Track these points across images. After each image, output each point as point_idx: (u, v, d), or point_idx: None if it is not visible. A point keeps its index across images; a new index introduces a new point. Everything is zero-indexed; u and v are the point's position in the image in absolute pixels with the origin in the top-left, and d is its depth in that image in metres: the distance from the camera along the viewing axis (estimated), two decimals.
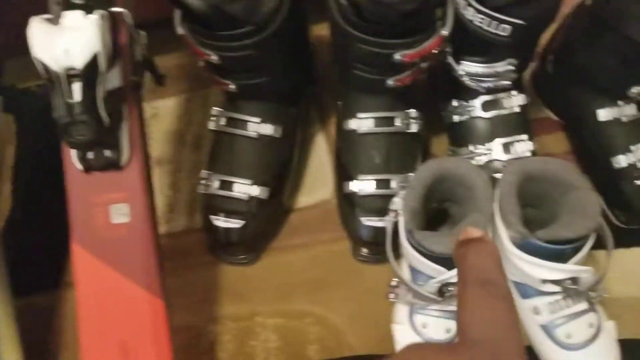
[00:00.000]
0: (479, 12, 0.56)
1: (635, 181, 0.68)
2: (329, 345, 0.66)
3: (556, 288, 0.56)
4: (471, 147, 0.69)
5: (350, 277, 0.70)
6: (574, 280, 0.55)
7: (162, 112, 0.82)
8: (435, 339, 0.59)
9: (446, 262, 0.55)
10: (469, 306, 0.28)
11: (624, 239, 0.71)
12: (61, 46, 0.46)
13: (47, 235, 0.73)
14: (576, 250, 0.55)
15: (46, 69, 0.46)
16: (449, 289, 0.56)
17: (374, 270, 0.69)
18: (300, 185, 0.76)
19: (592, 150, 0.71)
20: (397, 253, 0.61)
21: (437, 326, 0.59)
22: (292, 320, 0.68)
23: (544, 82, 0.78)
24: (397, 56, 0.57)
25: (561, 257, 0.55)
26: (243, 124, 0.66)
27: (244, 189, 0.66)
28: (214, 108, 0.69)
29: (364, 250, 0.69)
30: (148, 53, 0.57)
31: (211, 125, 0.68)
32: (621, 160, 0.68)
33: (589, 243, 0.55)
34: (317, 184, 0.76)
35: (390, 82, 0.62)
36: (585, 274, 0.55)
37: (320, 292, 0.69)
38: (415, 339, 0.60)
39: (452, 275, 0.55)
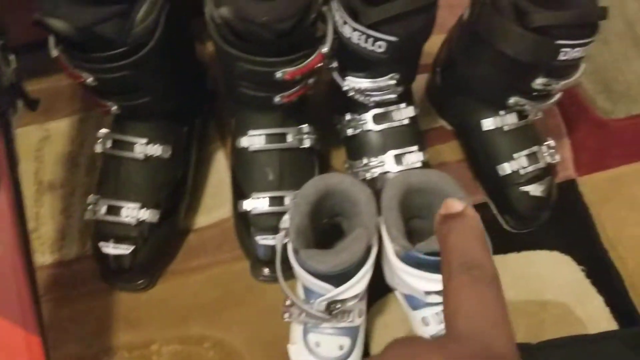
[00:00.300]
0: (355, 29, 0.57)
1: (519, 187, 0.70)
2: None
3: (438, 298, 0.57)
4: (365, 160, 0.70)
5: (249, 297, 0.69)
6: None
7: (54, 134, 0.79)
8: (329, 357, 0.59)
9: (333, 279, 0.55)
10: (455, 296, 0.27)
11: (515, 244, 0.74)
12: None
13: None
14: None
15: None
16: (337, 306, 0.56)
17: (274, 289, 0.68)
18: (198, 204, 0.75)
19: (480, 159, 0.73)
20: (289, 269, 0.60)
21: (330, 344, 0.60)
22: (189, 345, 0.66)
23: (435, 94, 0.80)
24: (279, 74, 0.57)
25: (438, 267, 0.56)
26: (129, 145, 0.64)
27: (132, 213, 0.64)
28: (100, 130, 0.66)
29: (264, 270, 0.68)
30: (18, 77, 0.55)
31: (98, 148, 0.66)
32: (505, 168, 0.70)
33: None
34: (216, 203, 0.75)
35: (277, 99, 0.62)
36: None
37: (219, 314, 0.68)
38: (309, 358, 0.60)
39: (339, 292, 0.55)
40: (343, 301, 0.56)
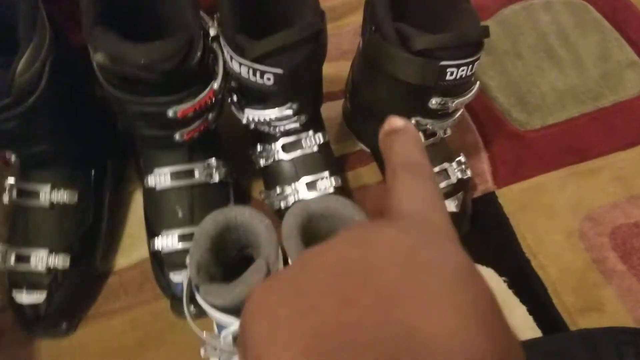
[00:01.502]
0: (241, 64, 0.58)
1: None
2: None
3: None
4: (279, 189, 0.70)
5: (171, 336, 0.69)
6: None
7: None
8: None
9: (233, 311, 0.55)
10: (399, 187, 0.29)
11: None
12: None
13: None
14: None
15: None
16: None
17: (196, 325, 0.69)
18: (117, 246, 0.75)
19: None
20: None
21: None
22: None
23: (349, 118, 0.81)
24: (171, 113, 0.58)
25: None
26: (34, 194, 0.65)
27: (41, 260, 0.64)
28: (7, 180, 0.66)
29: (180, 308, 0.68)
30: None
31: (5, 199, 0.66)
32: None
33: None
34: (136, 244, 0.75)
35: (177, 136, 0.63)
36: None
37: (142, 355, 0.68)
38: None
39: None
40: None
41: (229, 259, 0.60)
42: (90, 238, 0.69)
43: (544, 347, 0.64)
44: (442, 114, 0.68)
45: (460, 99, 0.65)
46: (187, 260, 0.58)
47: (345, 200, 0.59)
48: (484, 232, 0.77)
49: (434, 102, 0.64)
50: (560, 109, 0.87)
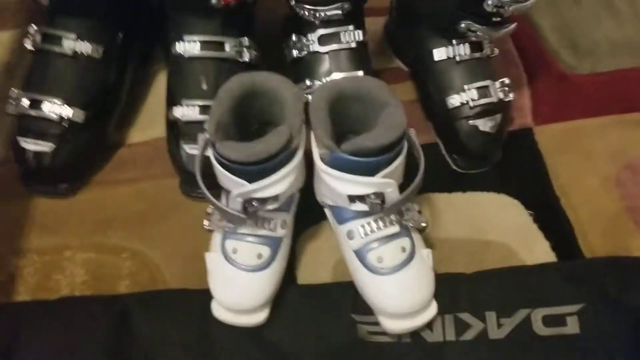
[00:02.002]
0: None
1: (468, 121, 0.67)
2: (142, 281, 0.61)
3: (363, 206, 0.54)
4: (308, 82, 0.67)
5: (174, 213, 0.66)
6: (379, 195, 0.53)
7: None
8: (245, 265, 0.55)
9: (247, 174, 0.51)
10: None
11: (462, 184, 0.71)
12: None
13: None
14: (385, 164, 0.52)
15: None
16: (253, 204, 0.52)
17: (201, 207, 0.65)
18: (134, 120, 0.72)
19: (431, 93, 0.71)
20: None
21: (248, 251, 0.56)
22: (105, 255, 0.63)
23: (391, 32, 0.78)
24: None
25: (370, 170, 0.52)
26: (57, 40, 0.61)
27: (55, 108, 0.61)
28: (31, 25, 0.63)
29: (188, 186, 0.65)
30: None
31: (27, 44, 0.63)
32: (455, 100, 0.67)
33: (399, 159, 0.53)
34: (153, 121, 0.72)
35: (214, 0, 0.59)
36: (389, 188, 0.53)
37: (141, 227, 0.65)
38: (225, 266, 0.56)
39: (254, 188, 0.51)
40: (261, 202, 0.53)
41: (248, 131, 0.57)
42: (109, 100, 0.66)
43: (568, 271, 0.60)
44: (495, 21, 0.63)
45: (518, 5, 0.61)
46: (206, 125, 0.55)
47: (380, 83, 0.55)
48: (515, 164, 0.73)
49: (490, 1, 0.60)
50: (612, 59, 0.83)
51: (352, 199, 0.54)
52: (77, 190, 0.66)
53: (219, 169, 0.53)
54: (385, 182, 0.52)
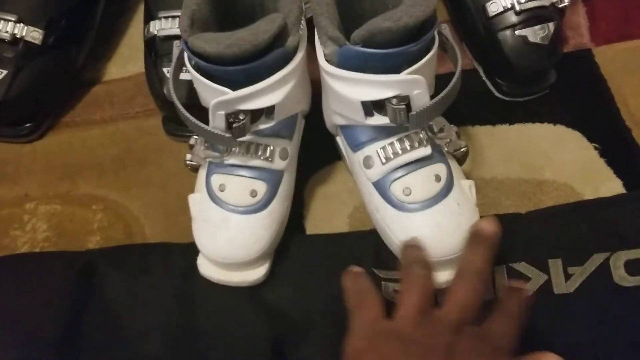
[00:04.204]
0: None
1: (514, 31, 0.54)
2: (115, 236, 0.50)
3: (384, 119, 0.41)
4: None
5: (155, 157, 0.55)
6: (404, 99, 0.40)
7: None
8: (236, 205, 0.43)
9: (233, 82, 0.39)
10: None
11: (508, 115, 0.58)
12: None
13: None
14: (413, 59, 0.40)
15: None
16: (239, 117, 0.40)
17: (186, 148, 0.53)
18: (111, 54, 0.61)
19: (466, 3, 0.57)
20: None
21: (238, 187, 0.44)
22: (73, 206, 0.52)
23: None
24: None
25: (388, 68, 0.39)
26: None
27: (8, 27, 0.50)
28: None
29: (170, 124, 0.54)
30: None
31: None
32: (496, 4, 0.54)
33: (432, 52, 0.40)
34: (133, 55, 0.61)
35: None
36: (417, 88, 0.39)
37: (116, 174, 0.54)
38: (211, 207, 0.44)
39: (237, 95, 0.39)
40: (249, 115, 0.40)
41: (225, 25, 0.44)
42: (74, 21, 0.55)
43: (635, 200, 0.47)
44: None
45: None
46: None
47: None
48: (573, 91, 0.60)
49: None
50: None
51: (369, 109, 0.41)
52: (43, 134, 0.55)
53: (197, 79, 0.41)
54: (411, 80, 0.39)
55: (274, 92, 0.40)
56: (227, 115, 0.40)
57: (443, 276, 0.42)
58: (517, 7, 0.53)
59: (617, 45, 0.63)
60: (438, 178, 0.43)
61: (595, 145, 0.56)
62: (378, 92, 0.40)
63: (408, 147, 0.43)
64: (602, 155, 0.55)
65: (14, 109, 0.52)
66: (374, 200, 0.44)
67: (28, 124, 0.54)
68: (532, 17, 0.54)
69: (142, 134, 0.55)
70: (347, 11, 0.43)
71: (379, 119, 0.42)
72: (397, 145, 0.43)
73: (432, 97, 0.41)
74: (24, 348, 0.43)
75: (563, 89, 0.59)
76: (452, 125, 0.46)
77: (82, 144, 0.55)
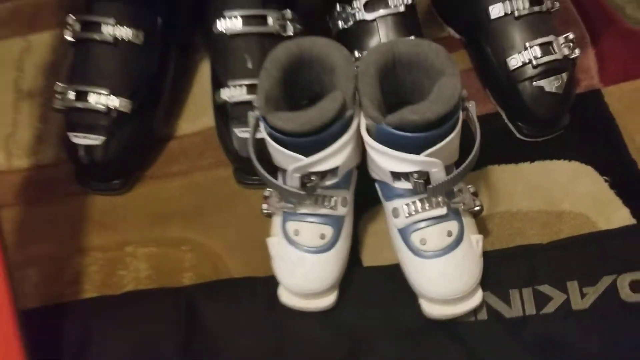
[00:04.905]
0: None
1: (532, 82, 0.63)
2: (205, 272, 0.60)
3: (407, 184, 0.51)
4: (357, 53, 0.64)
5: (230, 202, 0.64)
6: (423, 174, 0.49)
7: (36, 45, 0.77)
8: (308, 246, 0.53)
9: (302, 147, 0.48)
10: None
11: (529, 153, 0.66)
12: None
13: None
14: (432, 142, 0.49)
15: None
16: (312, 178, 0.50)
17: (257, 196, 0.62)
18: (180, 111, 0.71)
19: (489, 57, 0.66)
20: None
21: (310, 232, 0.53)
22: (166, 248, 0.61)
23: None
24: None
25: (417, 146, 0.49)
26: (97, 26, 0.61)
27: (101, 99, 0.60)
28: (69, 15, 0.63)
29: (241, 174, 0.63)
30: None
31: (67, 35, 0.62)
32: (516, 60, 0.63)
33: (451, 136, 0.49)
34: (200, 111, 0.70)
35: None
36: (434, 167, 0.49)
37: (198, 218, 0.63)
38: (288, 248, 0.54)
39: (311, 161, 0.49)
40: (319, 176, 0.50)
41: (299, 106, 0.54)
42: (153, 89, 0.65)
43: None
44: None
45: None
46: (255, 100, 0.52)
47: (438, 47, 0.51)
48: (586, 129, 0.68)
49: None
50: None
51: (396, 175, 0.51)
52: (132, 186, 0.65)
53: (273, 146, 0.50)
54: (429, 161, 0.49)
55: (338, 155, 0.50)
56: (302, 177, 0.49)
57: (439, 310, 0.52)
58: (534, 62, 0.62)
59: (624, 85, 0.72)
60: (450, 234, 0.52)
61: (605, 178, 0.64)
62: (403, 166, 0.49)
63: (427, 207, 0.52)
64: (612, 187, 0.64)
65: (109, 169, 0.62)
66: (397, 243, 0.54)
67: (118, 180, 0.64)
68: (547, 69, 0.63)
69: (215, 183, 0.65)
70: (388, 87, 0.52)
71: (404, 184, 0.51)
72: (419, 205, 0.52)
73: (457, 163, 0.50)
74: None
75: (576, 128, 0.68)
76: (469, 187, 0.55)
77: (166, 193, 0.65)
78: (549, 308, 0.54)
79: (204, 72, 0.73)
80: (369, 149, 0.51)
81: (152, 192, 0.65)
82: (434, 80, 0.50)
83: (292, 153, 0.49)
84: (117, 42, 0.60)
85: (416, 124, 0.47)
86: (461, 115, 0.50)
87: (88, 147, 0.60)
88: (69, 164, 0.65)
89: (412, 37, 0.62)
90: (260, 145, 0.53)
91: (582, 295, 0.54)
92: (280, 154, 0.50)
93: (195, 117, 0.70)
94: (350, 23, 0.65)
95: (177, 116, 0.70)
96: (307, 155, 0.49)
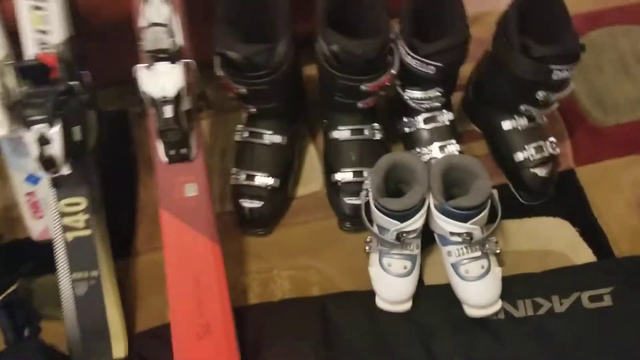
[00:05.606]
0: (414, 58, 0.88)
1: (530, 169, 0.99)
2: (326, 287, 0.95)
3: (459, 239, 0.87)
4: (417, 150, 1.00)
5: (337, 242, 1.00)
6: (469, 234, 0.86)
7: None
8: (397, 273, 0.89)
9: (399, 217, 0.85)
10: None
11: (528, 212, 1.02)
12: (159, 84, 0.77)
13: (117, 214, 0.96)
14: (474, 216, 0.84)
15: (150, 97, 0.77)
16: (404, 235, 0.86)
17: (354, 237, 0.98)
18: (299, 180, 1.06)
19: (501, 150, 1.03)
20: (369, 219, 0.90)
21: (398, 265, 0.89)
22: (298, 271, 0.97)
23: (468, 105, 1.10)
24: (363, 87, 0.89)
25: (464, 219, 0.84)
26: (260, 135, 0.97)
27: (262, 180, 0.96)
28: (238, 125, 0.99)
29: (347, 224, 0.99)
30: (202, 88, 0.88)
31: (237, 137, 0.99)
32: (520, 156, 0.99)
33: (483, 213, 0.85)
34: (310, 180, 1.06)
35: (359, 104, 0.94)
36: (475, 230, 0.85)
37: (317, 252, 0.99)
38: (384, 274, 0.90)
39: (405, 225, 0.85)
40: (407, 233, 0.86)
41: (390, 189, 0.90)
42: (288, 170, 1.01)
43: (605, 266, 0.92)
44: (543, 104, 0.95)
45: (559, 94, 0.93)
46: (364, 185, 0.89)
47: (477, 161, 0.88)
48: (563, 196, 1.03)
49: (540, 94, 0.93)
50: (631, 113, 1.12)
51: (452, 234, 0.87)
52: (272, 230, 1.01)
53: (380, 216, 0.86)
54: (472, 227, 0.85)
55: (419, 221, 0.86)
56: (398, 233, 0.86)
57: (475, 312, 0.88)
58: (531, 158, 0.98)
59: (591, 166, 1.07)
60: (482, 267, 0.88)
61: (577, 229, 1.00)
62: (457, 229, 0.85)
63: (469, 252, 0.88)
64: (581, 235, 0.99)
65: (263, 222, 0.98)
66: (451, 272, 0.89)
67: (263, 228, 1.00)
68: (540, 162, 0.98)
69: (326, 229, 1.01)
70: (447, 182, 0.88)
71: (456, 238, 0.87)
72: (464, 250, 0.88)
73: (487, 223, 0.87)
74: None
75: (558, 196, 1.03)
76: (493, 238, 0.91)
77: (294, 236, 1.00)
78: (541, 311, 0.89)
79: (309, 152, 1.09)
80: (435, 218, 0.87)
81: (285, 234, 1.01)
82: (473, 178, 0.87)
83: (393, 220, 0.85)
84: (272, 144, 0.96)
85: (466, 207, 0.83)
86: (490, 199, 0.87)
87: (252, 209, 0.96)
88: (229, 215, 1.01)
89: (459, 149, 0.98)
90: (356, 208, 0.89)
91: (561, 304, 0.90)
92: (384, 220, 0.86)
93: (307, 184, 1.06)
94: (413, 129, 1.01)
95: (296, 183, 1.06)
96: (401, 221, 0.85)
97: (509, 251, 0.97)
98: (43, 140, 0.76)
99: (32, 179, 0.95)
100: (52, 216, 0.86)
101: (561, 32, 0.89)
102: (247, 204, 0.96)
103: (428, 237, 0.94)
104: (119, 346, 0.89)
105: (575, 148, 1.09)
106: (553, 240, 0.99)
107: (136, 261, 1.00)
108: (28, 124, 0.76)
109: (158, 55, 0.79)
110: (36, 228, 0.99)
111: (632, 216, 1.01)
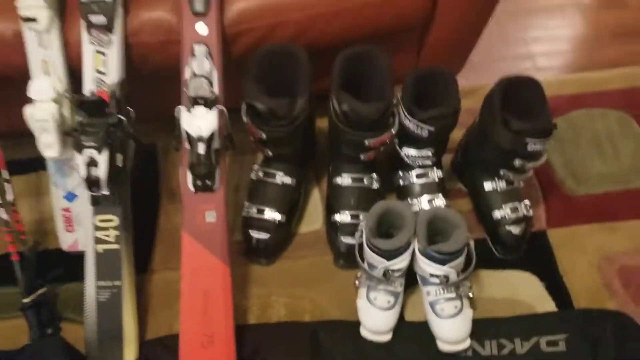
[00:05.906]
0: (411, 121, 1.03)
1: (505, 227, 1.13)
2: (317, 314, 1.07)
3: (437, 280, 1.00)
4: (408, 200, 1.14)
5: (330, 276, 1.12)
6: (446, 276, 0.99)
7: None
8: (381, 307, 1.02)
9: (387, 256, 0.98)
10: None
11: (502, 265, 1.15)
12: (196, 124, 0.91)
13: (139, 233, 1.08)
14: (451, 260, 0.97)
15: (188, 135, 0.91)
16: (390, 272, 0.99)
17: (346, 273, 1.11)
18: (302, 218, 1.20)
19: (482, 208, 1.17)
20: (362, 257, 1.04)
21: (383, 299, 1.02)
22: (295, 299, 1.09)
23: (457, 166, 1.25)
24: (367, 142, 1.03)
25: (442, 262, 0.98)
26: (273, 175, 1.11)
27: (271, 215, 1.10)
28: (254, 165, 1.13)
29: (341, 261, 1.12)
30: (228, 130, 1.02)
31: (252, 175, 1.13)
32: (497, 214, 1.13)
33: (459, 259, 0.98)
34: (312, 219, 1.20)
35: (362, 157, 1.08)
36: (452, 273, 0.98)
37: (313, 284, 1.11)
38: (370, 307, 1.02)
39: (392, 263, 0.98)
40: (393, 272, 0.99)
41: (381, 231, 1.04)
42: (294, 208, 1.15)
43: (563, 316, 1.05)
44: (519, 171, 1.10)
45: (533, 163, 1.08)
46: (359, 227, 1.02)
47: (457, 214, 1.02)
48: (534, 253, 1.16)
49: (517, 162, 1.07)
50: (601, 185, 1.25)
51: (432, 275, 1.00)
52: (274, 261, 1.14)
53: (370, 254, 1.00)
54: (450, 270, 0.98)
55: (404, 260, 0.99)
56: (384, 271, 0.99)
57: (447, 347, 1.00)
58: (507, 217, 1.12)
59: (561, 229, 1.20)
60: (456, 307, 1.00)
61: (543, 283, 1.13)
62: (436, 271, 0.98)
63: (445, 292, 1.00)
64: (546, 288, 1.12)
65: (268, 252, 1.11)
66: (428, 309, 1.02)
67: (267, 258, 1.13)
68: (514, 221, 1.12)
69: (323, 264, 1.13)
70: (430, 229, 1.02)
71: (435, 280, 1.00)
72: (441, 290, 1.00)
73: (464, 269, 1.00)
74: None
75: (529, 253, 1.17)
76: (467, 282, 1.04)
77: (295, 268, 1.12)
78: (504, 351, 1.01)
79: (313, 194, 1.23)
80: (418, 260, 1.01)
81: (286, 266, 1.14)
82: (453, 227, 1.00)
83: (381, 258, 0.98)
84: (283, 184, 1.11)
85: (445, 252, 0.97)
86: (466, 248, 1.00)
87: (259, 239, 1.09)
88: (237, 244, 1.14)
89: (445, 204, 1.12)
90: (352, 248, 1.03)
91: (522, 346, 1.02)
92: (374, 258, 0.99)
93: (310, 223, 1.19)
94: (407, 182, 1.15)
95: (300, 221, 1.20)
96: (388, 260, 0.98)
97: (482, 297, 1.09)
98: (92, 163, 0.89)
99: (70, 197, 1.09)
100: (88, 228, 0.99)
101: (538, 111, 1.04)
102: (256, 234, 1.09)
103: (412, 280, 1.07)
104: (130, 350, 1.01)
105: (548, 212, 1.23)
106: (521, 291, 1.11)
107: (151, 277, 1.12)
108: (80, 148, 0.89)
109: (198, 101, 0.94)
110: (67, 240, 1.12)
111: (593, 276, 1.13)
